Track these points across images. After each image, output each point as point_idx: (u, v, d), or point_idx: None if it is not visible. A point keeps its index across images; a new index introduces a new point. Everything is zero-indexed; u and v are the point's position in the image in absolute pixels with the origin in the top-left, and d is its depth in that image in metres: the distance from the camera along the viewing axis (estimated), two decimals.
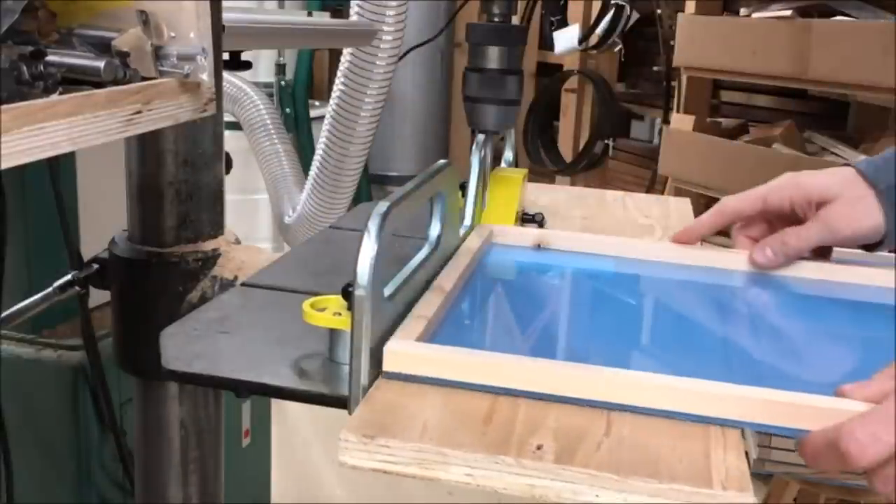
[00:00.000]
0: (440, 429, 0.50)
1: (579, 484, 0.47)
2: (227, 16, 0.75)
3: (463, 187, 0.86)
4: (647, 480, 0.46)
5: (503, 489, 0.48)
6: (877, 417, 0.48)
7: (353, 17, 1.22)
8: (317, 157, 1.39)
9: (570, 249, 0.82)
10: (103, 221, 0.96)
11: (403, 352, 0.56)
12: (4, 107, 0.46)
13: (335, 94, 1.30)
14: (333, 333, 0.60)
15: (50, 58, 0.55)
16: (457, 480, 0.48)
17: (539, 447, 0.48)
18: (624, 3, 2.70)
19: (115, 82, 0.57)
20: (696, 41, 2.49)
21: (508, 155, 1.04)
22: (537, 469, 0.47)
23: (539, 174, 3.44)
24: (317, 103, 3.07)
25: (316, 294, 0.61)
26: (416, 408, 0.52)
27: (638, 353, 0.66)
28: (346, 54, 1.26)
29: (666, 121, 2.83)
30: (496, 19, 0.86)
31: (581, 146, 3.46)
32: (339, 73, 1.28)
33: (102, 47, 0.59)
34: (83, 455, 1.26)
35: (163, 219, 0.80)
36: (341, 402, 0.55)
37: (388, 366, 0.56)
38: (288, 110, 2.90)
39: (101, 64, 0.56)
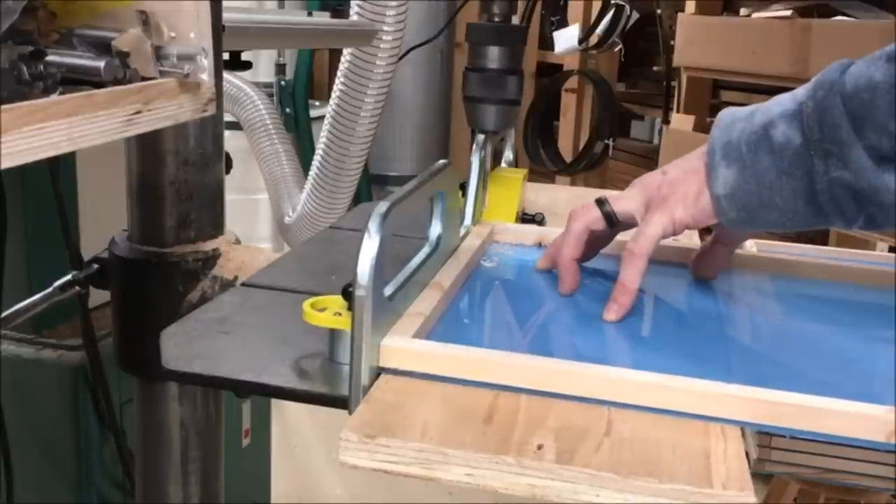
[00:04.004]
0: (441, 428, 0.50)
1: (580, 484, 0.47)
2: (227, 16, 0.75)
3: (463, 187, 0.86)
4: (648, 480, 0.46)
5: (504, 489, 0.48)
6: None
7: (353, 17, 1.22)
8: (317, 157, 1.39)
9: None
10: (103, 221, 0.96)
11: (399, 348, 0.56)
12: (4, 107, 0.45)
13: (335, 94, 1.30)
14: (333, 333, 0.59)
15: (50, 58, 0.55)
16: (457, 480, 0.48)
17: (539, 447, 0.48)
18: (624, 3, 2.69)
19: (116, 82, 0.57)
20: (696, 41, 2.49)
21: (508, 155, 1.04)
22: (538, 469, 0.47)
23: (539, 174, 3.43)
24: (317, 103, 3.07)
25: (316, 294, 0.61)
26: (416, 408, 0.53)
27: (638, 352, 0.66)
28: (346, 54, 1.26)
29: (666, 121, 2.82)
30: (496, 19, 0.86)
31: (581, 146, 3.45)
32: (339, 73, 1.28)
33: (102, 47, 0.59)
34: (83, 455, 1.26)
35: (163, 219, 0.80)
36: (341, 402, 0.55)
37: (384, 362, 0.56)
38: (288, 110, 2.90)
39: (101, 64, 0.56)
